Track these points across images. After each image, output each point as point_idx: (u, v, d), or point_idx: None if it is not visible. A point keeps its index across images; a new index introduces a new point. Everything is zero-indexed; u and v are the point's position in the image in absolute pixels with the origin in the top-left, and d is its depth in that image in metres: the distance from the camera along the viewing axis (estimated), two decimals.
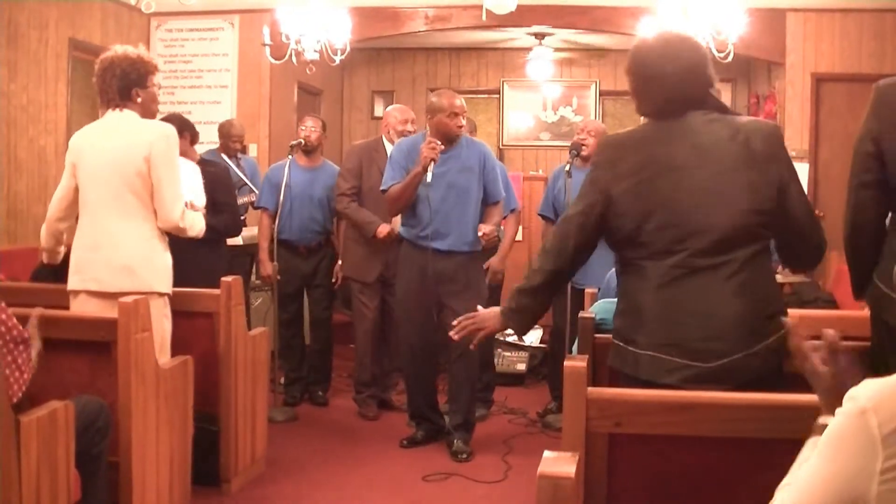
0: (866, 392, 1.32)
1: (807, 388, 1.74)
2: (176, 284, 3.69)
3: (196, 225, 3.61)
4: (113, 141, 3.43)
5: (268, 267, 5.31)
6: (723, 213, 2.29)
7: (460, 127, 4.48)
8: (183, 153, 4.45)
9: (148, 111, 3.55)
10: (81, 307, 3.42)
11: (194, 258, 4.38)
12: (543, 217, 5.39)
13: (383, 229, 5.01)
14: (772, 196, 2.32)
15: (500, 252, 5.08)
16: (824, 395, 1.62)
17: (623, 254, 2.44)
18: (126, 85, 3.47)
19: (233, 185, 5.29)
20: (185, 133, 4.70)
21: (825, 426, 1.47)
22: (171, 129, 3.52)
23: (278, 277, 5.28)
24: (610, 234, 2.42)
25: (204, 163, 4.89)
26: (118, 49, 3.54)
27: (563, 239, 2.46)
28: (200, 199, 3.95)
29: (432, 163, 4.35)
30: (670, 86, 2.37)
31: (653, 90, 2.41)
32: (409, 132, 5.08)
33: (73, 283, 3.46)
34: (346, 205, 5.14)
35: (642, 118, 2.51)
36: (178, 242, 3.64)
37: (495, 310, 2.64)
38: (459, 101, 4.55)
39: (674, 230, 2.31)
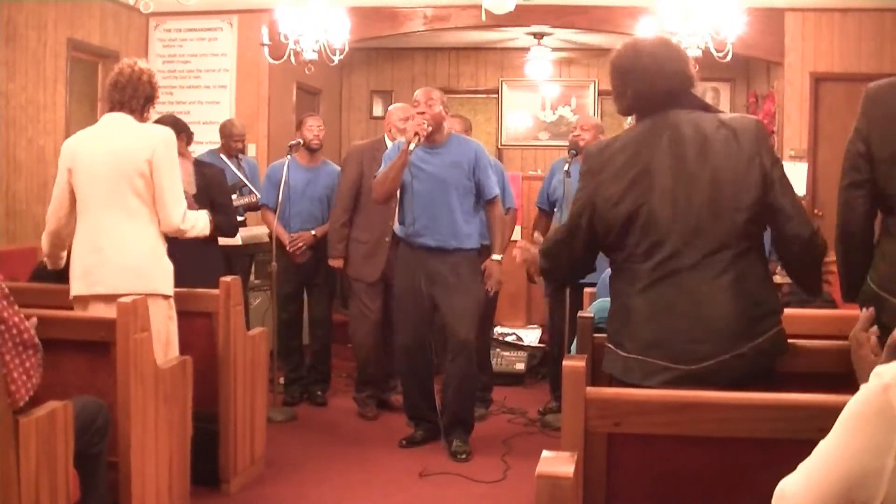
0: (892, 370, 1.34)
1: (797, 389, 1.76)
2: (174, 285, 3.69)
3: (199, 224, 3.63)
4: (113, 143, 3.43)
5: (285, 237, 5.37)
6: (707, 210, 2.30)
7: (421, 113, 4.41)
8: (179, 154, 4.49)
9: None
10: (91, 313, 3.40)
11: (189, 258, 4.40)
12: (539, 208, 5.44)
13: (337, 262, 5.25)
14: (757, 191, 2.32)
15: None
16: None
17: (612, 257, 2.46)
18: (150, 98, 3.54)
19: (228, 186, 5.29)
20: (181, 134, 4.71)
21: None
22: (171, 133, 3.54)
23: (294, 257, 5.35)
24: (598, 240, 2.45)
25: (199, 164, 4.89)
26: (149, 65, 3.62)
27: (566, 243, 2.52)
28: (191, 189, 4.08)
29: (416, 136, 4.32)
30: (645, 80, 2.39)
31: (627, 86, 2.43)
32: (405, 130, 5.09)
33: (78, 288, 3.43)
34: (337, 226, 5.24)
35: (628, 122, 2.54)
36: (173, 243, 3.64)
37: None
38: (420, 91, 4.54)
39: (657, 230, 2.31)
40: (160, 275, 3.46)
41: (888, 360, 1.64)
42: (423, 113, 4.41)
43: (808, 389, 2.05)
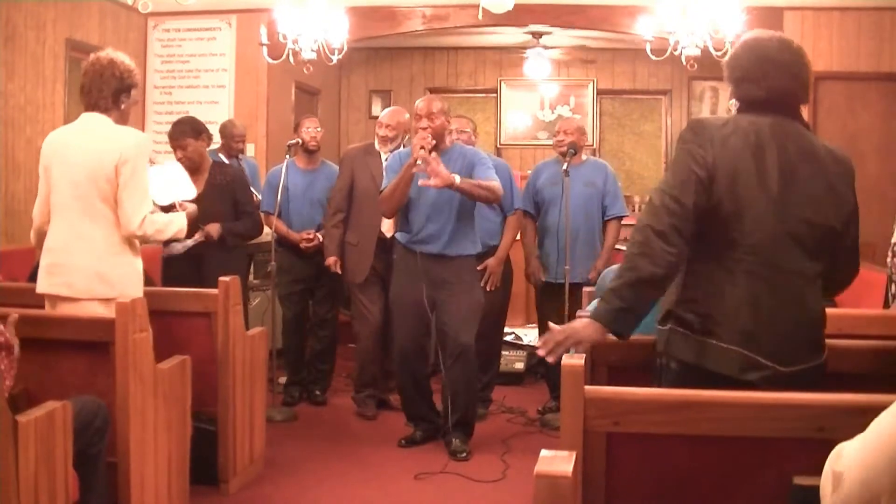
0: None
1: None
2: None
3: (169, 228, 3.59)
4: (86, 145, 3.40)
5: (297, 235, 5.38)
6: (809, 222, 2.31)
7: (425, 129, 4.37)
8: (200, 155, 4.66)
9: (124, 120, 3.51)
10: (59, 312, 3.38)
11: (217, 262, 4.45)
12: (523, 211, 5.35)
13: (330, 260, 5.21)
14: (842, 221, 2.37)
15: (499, 253, 5.07)
16: None
17: (709, 239, 2.32)
18: (121, 89, 3.44)
19: (249, 184, 5.30)
20: (201, 135, 4.75)
21: None
22: (143, 138, 3.51)
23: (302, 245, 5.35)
24: (703, 215, 2.29)
25: (220, 165, 4.93)
26: (115, 53, 3.51)
27: (684, 220, 2.27)
28: (190, 193, 4.09)
29: (423, 150, 4.27)
30: (781, 75, 2.35)
31: (764, 74, 2.36)
32: (387, 136, 5.10)
33: (42, 286, 3.41)
34: (329, 227, 5.25)
35: (732, 108, 2.47)
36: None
37: (584, 320, 2.37)
38: (421, 103, 4.49)
39: (771, 228, 2.28)
40: (127, 279, 3.41)
41: None
42: (426, 128, 4.38)
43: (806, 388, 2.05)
